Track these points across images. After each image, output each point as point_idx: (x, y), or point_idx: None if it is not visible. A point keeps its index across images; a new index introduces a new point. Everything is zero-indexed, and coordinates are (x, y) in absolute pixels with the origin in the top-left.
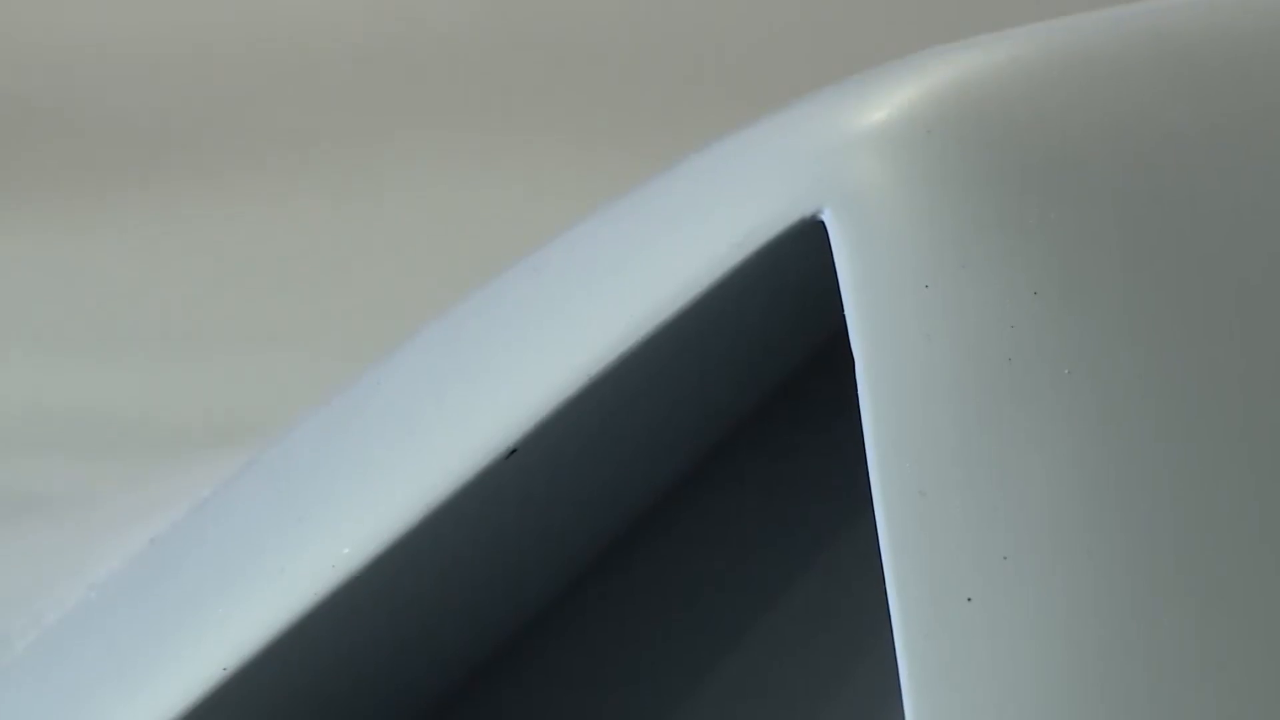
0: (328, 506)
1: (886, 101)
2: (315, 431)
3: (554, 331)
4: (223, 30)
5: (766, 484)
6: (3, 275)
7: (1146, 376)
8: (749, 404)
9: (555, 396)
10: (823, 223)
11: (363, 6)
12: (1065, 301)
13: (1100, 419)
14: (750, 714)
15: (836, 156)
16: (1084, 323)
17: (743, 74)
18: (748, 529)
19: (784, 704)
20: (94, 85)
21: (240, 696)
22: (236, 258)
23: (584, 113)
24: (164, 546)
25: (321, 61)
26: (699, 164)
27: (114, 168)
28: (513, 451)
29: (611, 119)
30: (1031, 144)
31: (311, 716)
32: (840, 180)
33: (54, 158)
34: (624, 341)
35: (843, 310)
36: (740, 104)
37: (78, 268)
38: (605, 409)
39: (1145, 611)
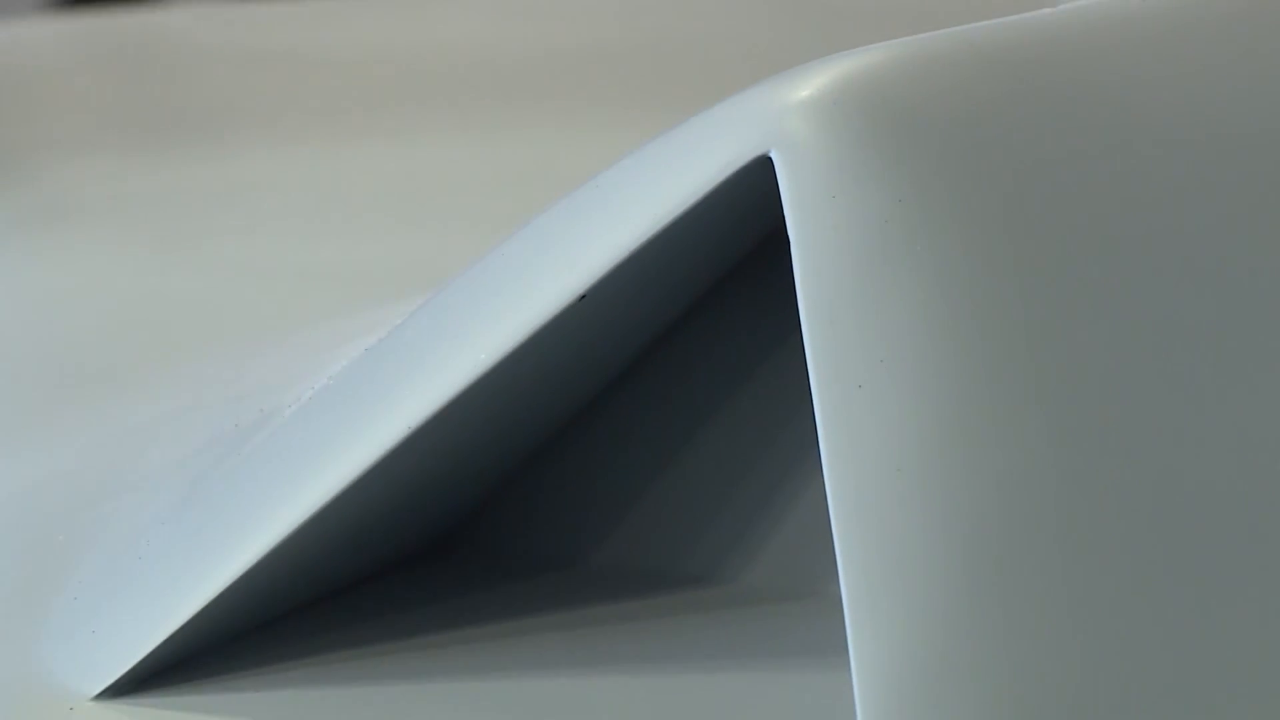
0: (471, 331)
1: (809, 84)
2: (461, 287)
3: (606, 222)
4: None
5: (735, 328)
6: (276, 180)
7: (972, 247)
8: (716, 275)
9: (610, 260)
10: (770, 159)
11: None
12: (918, 205)
13: (939, 274)
14: (725, 475)
15: (779, 118)
16: (929, 217)
17: (729, 73)
18: (718, 359)
19: (744, 469)
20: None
21: (418, 450)
22: (412, 178)
23: (620, 103)
24: (371, 355)
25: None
26: (695, 123)
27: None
28: (582, 297)
29: (637, 106)
30: (898, 107)
31: (449, 475)
32: (781, 132)
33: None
34: (651, 229)
35: (783, 213)
36: (723, 90)
37: (320, 175)
38: (638, 271)
39: (983, 395)
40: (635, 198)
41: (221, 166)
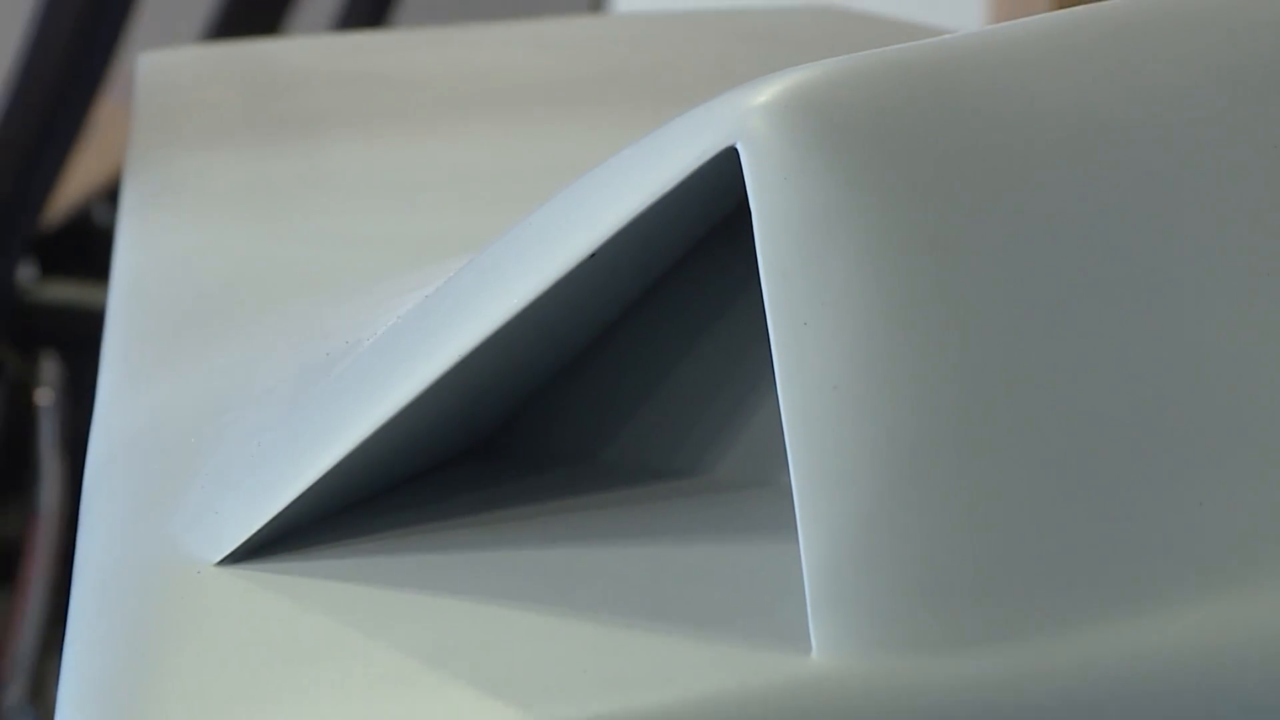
0: (506, 282)
1: (766, 92)
2: (499, 248)
3: (610, 198)
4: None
5: (711, 280)
6: (386, 167)
7: (893, 216)
8: (696, 238)
9: (613, 226)
10: (736, 149)
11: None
12: (852, 184)
13: (868, 237)
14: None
15: (743, 118)
16: (860, 193)
17: (707, 87)
18: (697, 304)
19: (717, 387)
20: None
21: (465, 371)
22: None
23: (622, 110)
24: (431, 300)
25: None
26: (678, 123)
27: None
28: (592, 255)
29: (635, 113)
30: (836, 109)
31: (489, 389)
32: (745, 129)
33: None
34: (644, 203)
35: (746, 191)
36: (701, 99)
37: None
38: (634, 235)
39: (902, 329)
40: (632, 180)
41: (316, 159)
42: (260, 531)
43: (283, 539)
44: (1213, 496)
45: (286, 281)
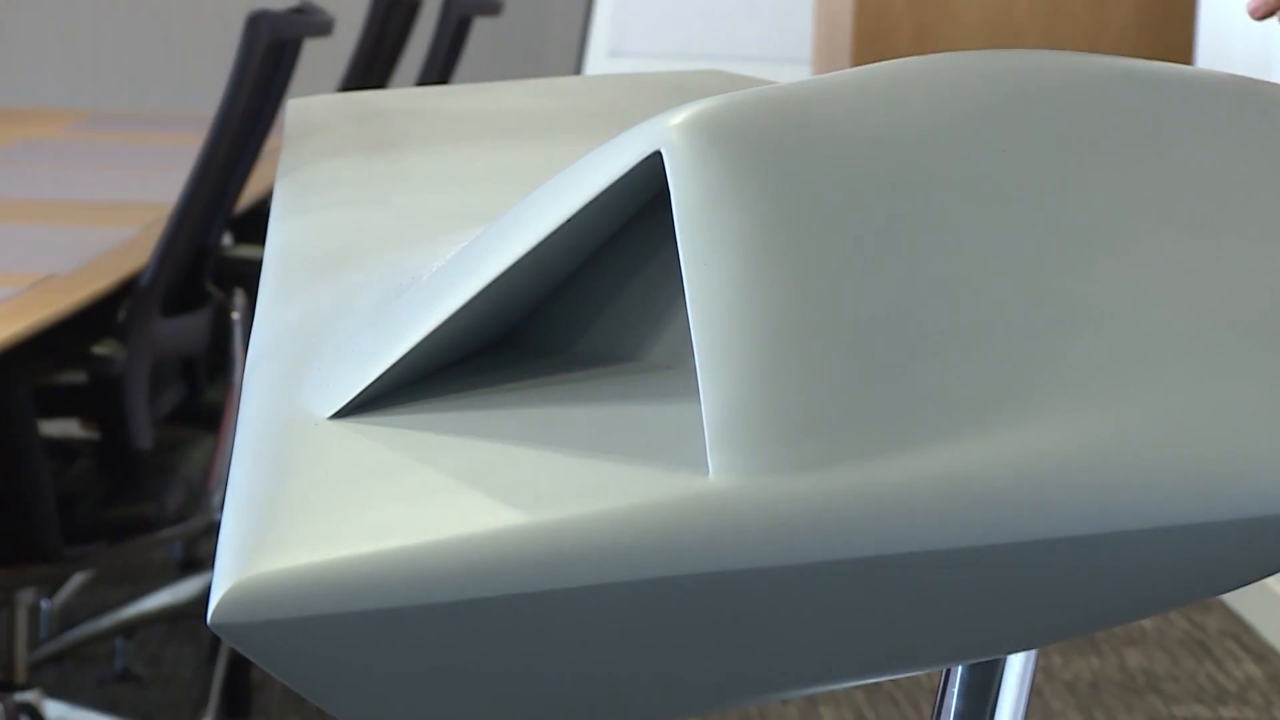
0: (513, 236)
1: (682, 115)
2: (508, 218)
3: (578, 185)
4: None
5: (645, 236)
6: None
7: (770, 192)
8: (636, 209)
9: (581, 202)
10: (660, 153)
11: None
12: (741, 173)
13: (751, 207)
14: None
15: (665, 132)
16: (747, 179)
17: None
18: (636, 251)
19: (647, 301)
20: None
21: (490, 291)
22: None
23: (596, 130)
24: (468, 248)
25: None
26: (623, 136)
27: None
28: (568, 220)
29: (604, 130)
30: (730, 125)
31: (503, 305)
32: (667, 140)
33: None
34: (600, 187)
35: (668, 183)
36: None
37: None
38: (594, 209)
39: (773, 261)
40: (593, 173)
41: (400, 163)
42: (356, 397)
43: (370, 402)
44: (966, 372)
45: (378, 240)
